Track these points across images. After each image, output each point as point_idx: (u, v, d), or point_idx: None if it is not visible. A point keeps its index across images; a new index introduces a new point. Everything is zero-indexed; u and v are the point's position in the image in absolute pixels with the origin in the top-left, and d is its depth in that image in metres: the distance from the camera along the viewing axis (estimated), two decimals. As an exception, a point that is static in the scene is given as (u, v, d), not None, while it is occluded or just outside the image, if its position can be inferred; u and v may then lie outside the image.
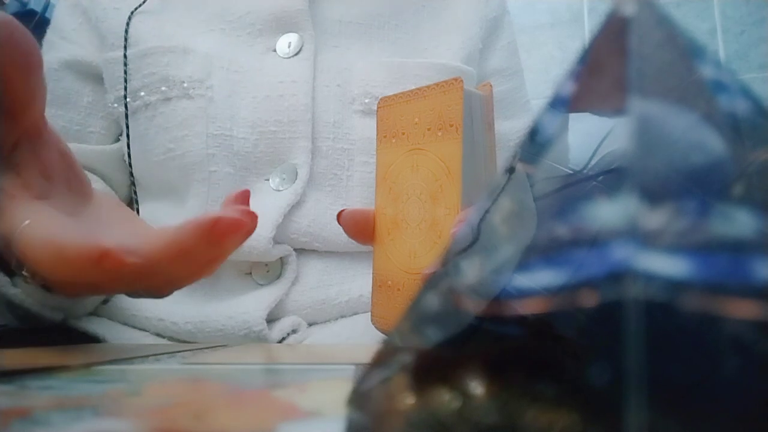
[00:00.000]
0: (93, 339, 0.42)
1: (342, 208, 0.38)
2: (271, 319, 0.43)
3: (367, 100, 0.48)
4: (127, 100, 0.47)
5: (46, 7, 1.02)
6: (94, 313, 0.45)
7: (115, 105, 0.50)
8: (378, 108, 0.38)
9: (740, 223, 0.11)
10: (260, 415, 0.16)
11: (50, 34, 0.53)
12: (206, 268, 0.28)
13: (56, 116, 0.51)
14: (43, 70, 0.28)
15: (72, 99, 0.51)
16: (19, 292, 0.32)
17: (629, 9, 0.12)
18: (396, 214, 0.36)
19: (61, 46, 0.52)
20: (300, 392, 0.19)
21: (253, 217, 0.27)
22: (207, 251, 0.25)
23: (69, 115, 0.51)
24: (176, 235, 0.25)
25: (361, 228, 0.37)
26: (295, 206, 0.45)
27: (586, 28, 1.46)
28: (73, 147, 0.48)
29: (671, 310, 0.09)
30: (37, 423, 0.15)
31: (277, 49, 0.49)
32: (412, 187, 0.35)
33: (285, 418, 0.15)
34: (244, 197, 0.32)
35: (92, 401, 0.17)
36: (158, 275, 0.26)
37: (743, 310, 0.10)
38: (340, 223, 0.37)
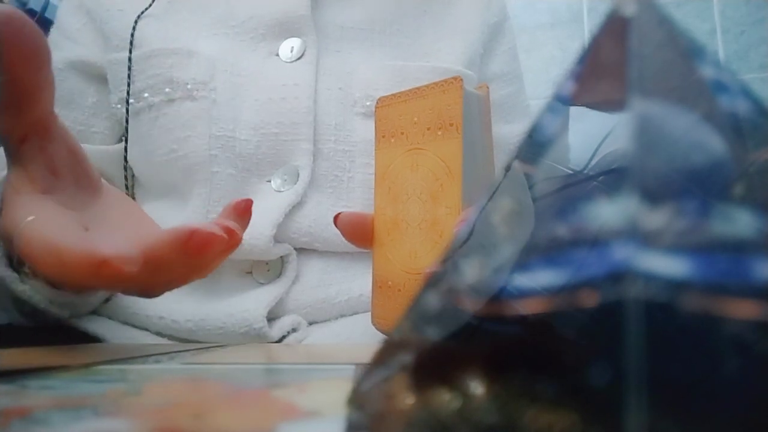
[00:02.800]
0: (93, 339, 0.42)
1: (341, 211, 0.38)
2: (271, 318, 0.43)
3: (368, 103, 0.48)
4: (130, 100, 0.48)
5: (45, 6, 1.01)
6: (95, 312, 0.45)
7: (118, 106, 0.50)
8: (376, 108, 0.38)
9: (740, 223, 0.11)
10: (260, 415, 0.16)
11: (54, 34, 0.53)
12: (187, 276, 0.28)
13: (60, 116, 0.51)
14: (51, 65, 0.28)
15: (76, 99, 0.51)
16: (27, 288, 0.33)
17: (629, 9, 0.12)
18: (396, 215, 0.36)
19: (66, 46, 0.52)
20: (300, 392, 0.19)
21: (233, 234, 0.27)
22: (184, 262, 0.25)
23: (73, 115, 0.51)
24: (155, 243, 0.25)
25: (358, 231, 0.37)
26: (296, 207, 0.45)
27: (586, 29, 1.46)
28: None
29: (671, 311, 0.09)
30: (37, 423, 0.15)
31: (279, 54, 0.49)
32: (411, 186, 0.35)
33: (285, 418, 0.15)
34: (245, 207, 0.32)
35: (92, 401, 0.17)
36: (145, 281, 0.27)
37: (743, 310, 0.10)
38: (337, 227, 0.38)
